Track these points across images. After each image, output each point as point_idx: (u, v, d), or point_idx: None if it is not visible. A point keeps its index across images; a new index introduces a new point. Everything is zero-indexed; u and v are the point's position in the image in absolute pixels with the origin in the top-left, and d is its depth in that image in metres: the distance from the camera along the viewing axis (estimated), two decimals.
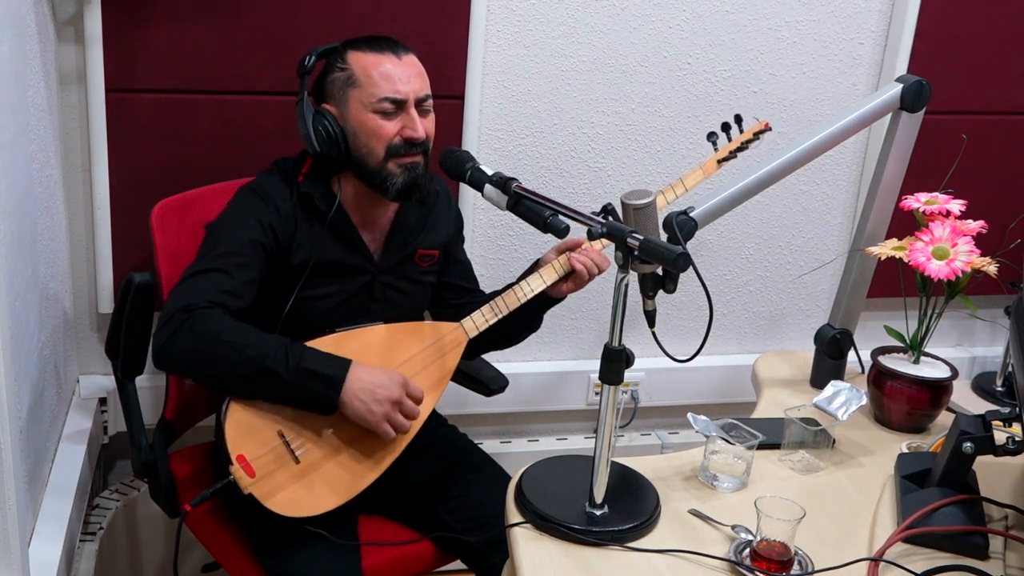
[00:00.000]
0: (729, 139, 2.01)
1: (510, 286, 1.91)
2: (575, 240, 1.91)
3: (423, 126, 1.81)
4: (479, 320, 1.87)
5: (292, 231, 1.83)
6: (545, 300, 1.93)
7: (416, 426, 1.81)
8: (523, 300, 1.88)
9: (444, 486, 1.96)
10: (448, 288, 2.06)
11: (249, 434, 1.72)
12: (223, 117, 2.20)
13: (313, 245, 1.84)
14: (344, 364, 1.71)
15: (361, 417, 1.71)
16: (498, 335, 1.94)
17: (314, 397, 1.71)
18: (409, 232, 1.95)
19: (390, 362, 1.82)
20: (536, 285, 1.89)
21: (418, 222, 1.97)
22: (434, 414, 2.13)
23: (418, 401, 1.75)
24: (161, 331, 1.70)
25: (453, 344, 1.87)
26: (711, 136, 2.00)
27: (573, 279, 1.90)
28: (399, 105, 1.80)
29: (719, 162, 2.01)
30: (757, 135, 2.02)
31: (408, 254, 1.96)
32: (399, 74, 1.80)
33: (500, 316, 1.88)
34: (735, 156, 2.02)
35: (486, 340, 1.93)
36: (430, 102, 1.85)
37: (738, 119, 2.01)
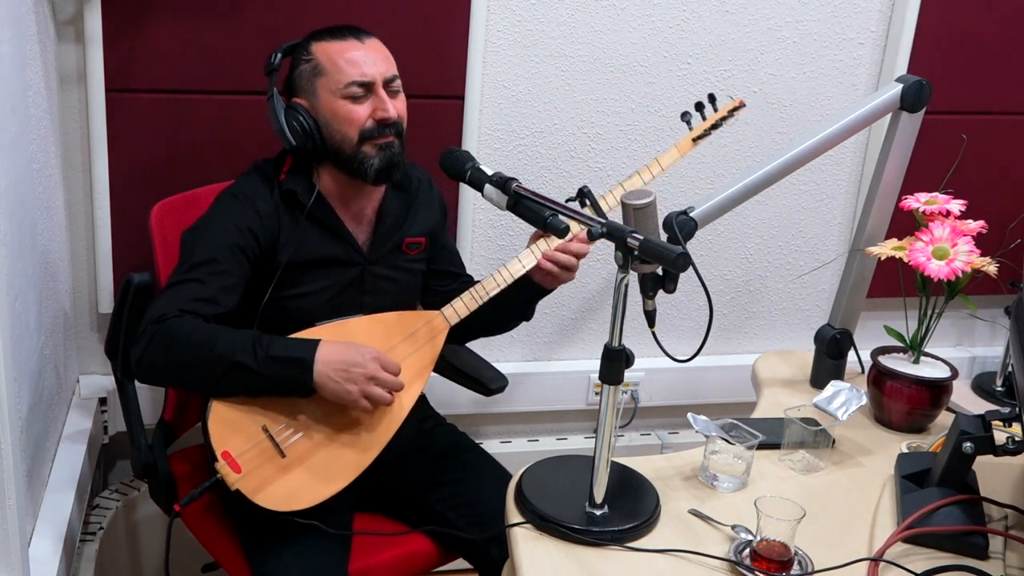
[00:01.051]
0: (704, 118, 2.02)
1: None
2: None
3: (394, 107, 1.82)
4: (459, 307, 1.88)
5: (275, 231, 1.83)
6: (536, 290, 1.93)
7: (403, 412, 1.81)
8: (502, 285, 1.88)
9: (442, 483, 1.96)
10: (437, 275, 2.06)
11: (233, 430, 1.72)
12: (223, 117, 2.20)
13: (299, 242, 1.84)
14: (312, 345, 1.71)
15: (337, 396, 1.71)
16: (487, 321, 1.94)
17: (288, 383, 1.71)
18: (395, 221, 1.95)
19: None
20: (515, 270, 1.89)
21: (402, 211, 1.97)
22: (433, 414, 2.13)
23: (395, 373, 1.74)
24: (136, 345, 1.71)
25: (436, 331, 1.87)
26: (684, 115, 2.00)
27: (558, 273, 1.89)
28: (367, 88, 1.80)
29: (694, 140, 2.02)
30: (731, 112, 2.03)
31: (396, 243, 1.96)
32: (364, 58, 1.80)
33: (480, 303, 1.88)
34: (709, 134, 2.03)
35: (475, 325, 1.92)
36: (398, 83, 1.85)
37: (712, 98, 2.02)
